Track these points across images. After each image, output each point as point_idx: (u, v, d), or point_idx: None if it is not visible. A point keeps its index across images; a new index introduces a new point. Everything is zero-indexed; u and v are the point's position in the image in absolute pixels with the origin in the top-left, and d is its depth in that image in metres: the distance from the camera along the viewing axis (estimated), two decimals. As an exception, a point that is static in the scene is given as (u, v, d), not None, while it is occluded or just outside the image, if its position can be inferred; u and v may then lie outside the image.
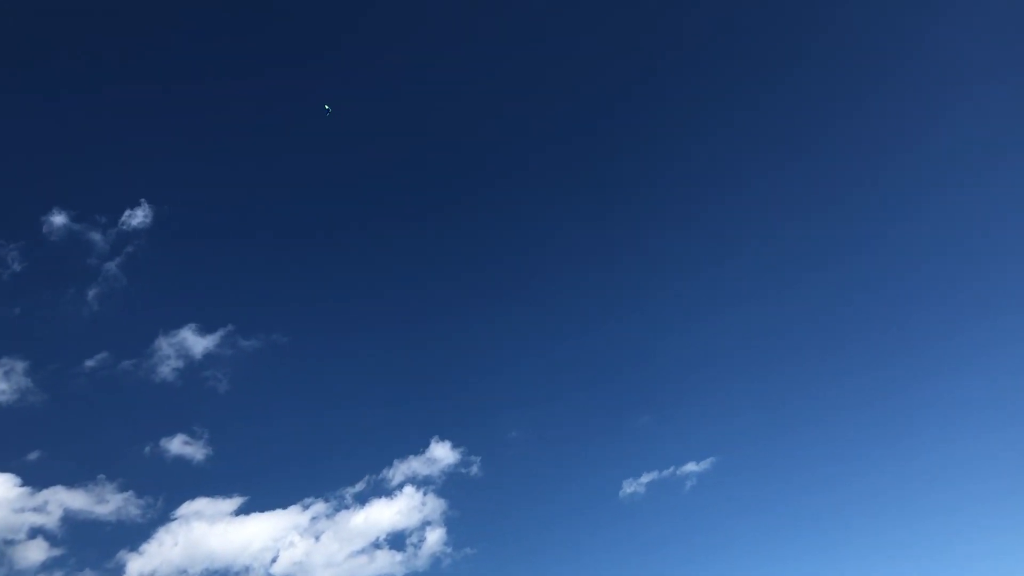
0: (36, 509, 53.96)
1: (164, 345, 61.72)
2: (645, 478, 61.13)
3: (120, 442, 60.48)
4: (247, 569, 55.64)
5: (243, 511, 58.14)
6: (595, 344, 70.09)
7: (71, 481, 56.01)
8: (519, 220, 74.31)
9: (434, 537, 58.44)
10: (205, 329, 62.85)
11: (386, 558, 57.38)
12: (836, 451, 63.43)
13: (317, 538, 57.68)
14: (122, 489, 56.88)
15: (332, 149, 72.33)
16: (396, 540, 58.05)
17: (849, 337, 68.68)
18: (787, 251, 72.09)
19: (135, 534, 55.44)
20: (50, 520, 54.07)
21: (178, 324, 62.69)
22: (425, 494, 60.09)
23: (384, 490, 60.18)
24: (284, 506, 58.86)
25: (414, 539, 58.35)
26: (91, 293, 61.81)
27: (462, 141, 74.01)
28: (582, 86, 74.54)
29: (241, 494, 58.48)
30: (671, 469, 61.20)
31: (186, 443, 59.80)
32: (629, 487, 61.14)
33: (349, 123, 70.09)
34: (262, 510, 58.44)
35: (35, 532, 53.47)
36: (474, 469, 61.53)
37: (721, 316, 70.80)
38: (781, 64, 73.28)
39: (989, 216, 67.63)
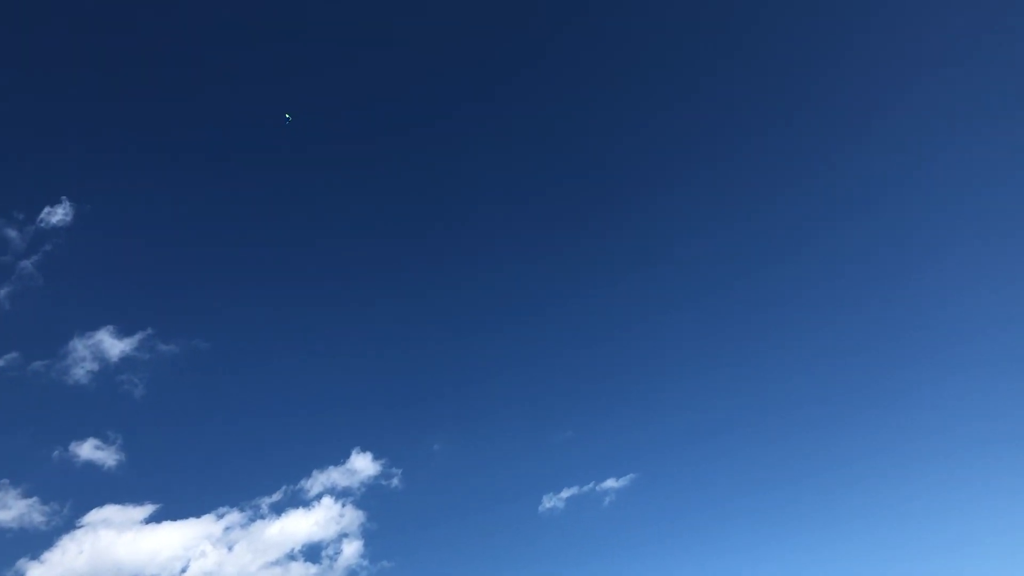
0: (-68, 514, 51.92)
1: (79, 347, 60.17)
2: (565, 493, 61.76)
3: (27, 446, 58.66)
4: (154, 579, 54.36)
5: (154, 519, 56.91)
6: (519, 358, 70.64)
7: (-29, 486, 54.06)
8: (442, 231, 74.43)
9: (351, 550, 57.91)
10: (123, 332, 61.43)
11: (300, 570, 56.59)
12: (755, 469, 64.89)
13: (230, 548, 56.68)
14: (26, 495, 55.19)
15: (259, 152, 71.44)
16: (312, 552, 57.39)
17: (771, 353, 70.18)
18: (711, 260, 73.06)
19: (37, 542, 53.77)
20: (-53, 526, 52.07)
21: (95, 326, 61.16)
22: (343, 505, 59.59)
23: (301, 500, 59.50)
24: (197, 515, 57.74)
25: (330, 551, 57.74)
26: (3, 291, 59.94)
27: (380, 156, 74.21)
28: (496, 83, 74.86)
29: (153, 502, 57.22)
30: (591, 484, 61.97)
31: (97, 448, 58.23)
32: (549, 502, 61.68)
33: (279, 129, 69.22)
34: (174, 518, 57.27)
35: (-71, 538, 51.42)
36: (395, 481, 61.31)
37: (645, 331, 71.91)
38: (716, 60, 74.21)
39: (924, 215, 70.19)
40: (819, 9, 73.09)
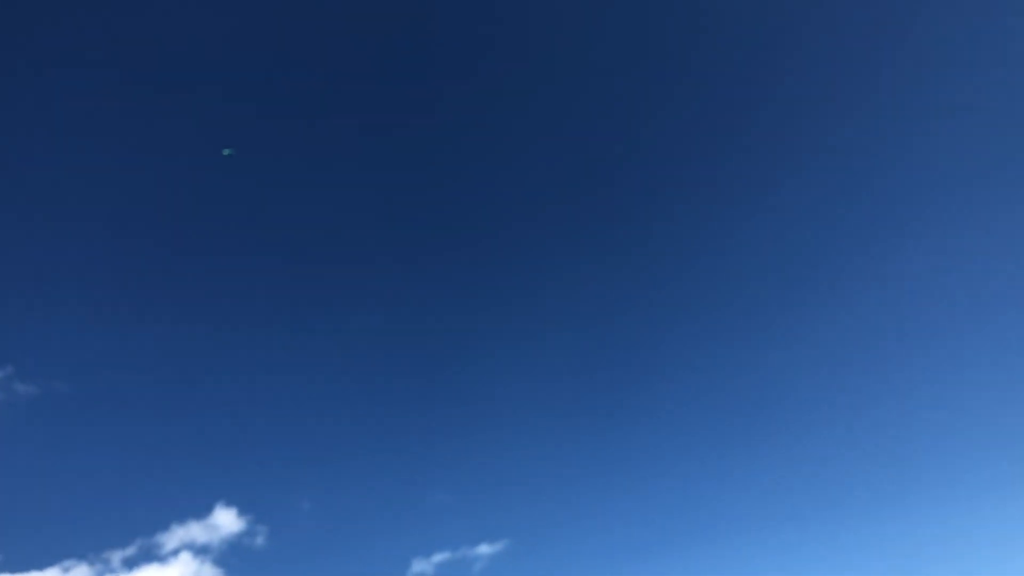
0: None
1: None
2: (437, 557, 60.13)
3: None
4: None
5: (-8, 572, 52.47)
6: (394, 415, 68.71)
7: None
8: (324, 274, 71.34)
9: (206, 611, 54.90)
10: (-23, 369, 57.21)
11: (151, 630, 53.13)
12: (634, 538, 64.83)
13: (75, 604, 52.78)
14: None
15: (137, 174, 63.75)
16: (164, 612, 53.83)
17: (652, 415, 69.01)
18: (593, 305, 70.01)
19: None
20: None
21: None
22: (202, 563, 56.84)
23: (156, 556, 55.99)
24: (40, 568, 53.27)
25: (184, 612, 54.47)
26: None
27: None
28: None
29: (-9, 553, 52.77)
30: (463, 549, 61.21)
31: (-66, 494, 53.50)
32: (418, 566, 60.30)
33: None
34: (14, 571, 52.97)
35: None
36: (259, 540, 58.46)
37: (523, 393, 67.90)
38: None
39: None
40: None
